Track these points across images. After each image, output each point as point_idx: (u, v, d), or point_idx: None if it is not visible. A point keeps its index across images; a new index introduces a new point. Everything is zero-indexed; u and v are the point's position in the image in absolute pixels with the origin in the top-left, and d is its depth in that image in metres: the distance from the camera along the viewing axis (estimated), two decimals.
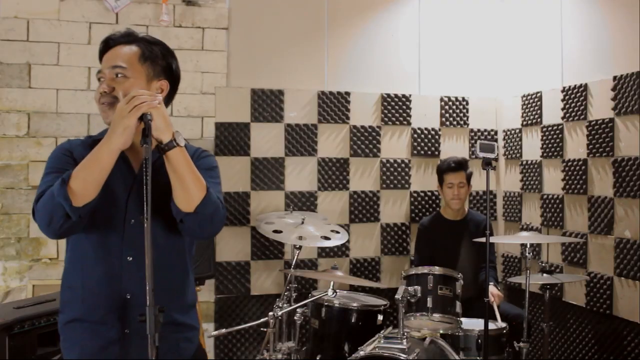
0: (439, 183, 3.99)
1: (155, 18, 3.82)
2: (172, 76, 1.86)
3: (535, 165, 4.05)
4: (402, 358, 2.68)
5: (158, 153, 1.64)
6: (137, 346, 1.70)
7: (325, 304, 3.24)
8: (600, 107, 3.49)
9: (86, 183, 1.59)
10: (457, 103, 4.42)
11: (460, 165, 3.89)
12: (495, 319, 3.33)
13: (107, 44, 1.80)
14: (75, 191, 1.58)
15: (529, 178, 4.12)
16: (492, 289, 3.53)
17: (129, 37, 1.80)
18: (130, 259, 1.72)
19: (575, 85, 3.69)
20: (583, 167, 3.61)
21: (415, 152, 4.32)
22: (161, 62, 1.82)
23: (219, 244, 3.94)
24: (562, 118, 3.79)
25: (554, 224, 3.86)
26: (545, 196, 3.95)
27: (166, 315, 1.75)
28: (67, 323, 1.77)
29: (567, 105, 3.75)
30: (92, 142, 1.74)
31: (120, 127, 1.58)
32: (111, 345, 1.71)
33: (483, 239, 3.05)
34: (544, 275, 3.28)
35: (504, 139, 4.46)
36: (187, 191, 1.65)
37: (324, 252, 4.12)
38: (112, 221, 1.72)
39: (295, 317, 3.29)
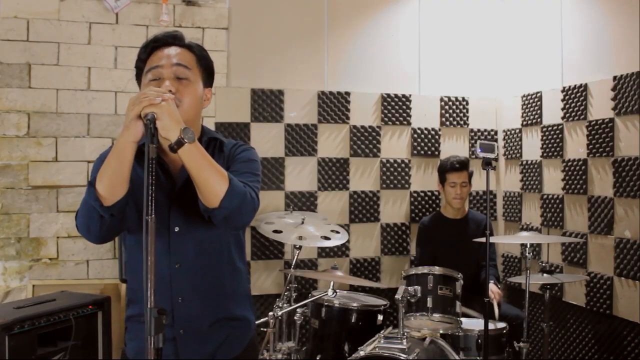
0: (440, 182, 3.99)
1: (155, 18, 3.82)
2: (211, 86, 1.89)
3: (535, 165, 4.05)
4: (402, 358, 2.68)
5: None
6: (191, 346, 1.76)
7: (325, 304, 3.24)
8: (600, 107, 3.49)
9: (111, 179, 1.60)
10: (457, 103, 4.42)
11: (463, 165, 3.90)
12: (494, 317, 3.34)
13: (158, 43, 1.78)
14: (102, 190, 1.60)
15: (529, 178, 4.12)
16: (492, 286, 3.54)
17: (182, 41, 1.80)
18: (178, 265, 1.75)
19: (575, 85, 3.69)
20: (583, 167, 3.61)
21: (415, 152, 4.32)
22: (210, 71, 1.86)
23: None
24: (562, 118, 3.79)
25: (554, 224, 3.86)
26: (545, 196, 3.95)
27: (219, 312, 1.82)
28: (130, 317, 1.85)
29: (567, 105, 3.75)
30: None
31: (126, 120, 1.60)
32: (166, 343, 1.72)
33: (483, 239, 3.05)
34: (544, 275, 3.28)
35: (504, 139, 4.46)
36: (208, 186, 1.62)
37: (324, 252, 4.12)
38: (157, 229, 1.68)
39: (295, 317, 3.29)
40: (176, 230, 1.75)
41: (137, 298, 1.81)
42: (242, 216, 1.69)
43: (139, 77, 1.82)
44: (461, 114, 4.43)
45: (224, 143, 1.88)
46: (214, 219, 1.68)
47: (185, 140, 1.57)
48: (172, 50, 1.78)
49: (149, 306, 1.44)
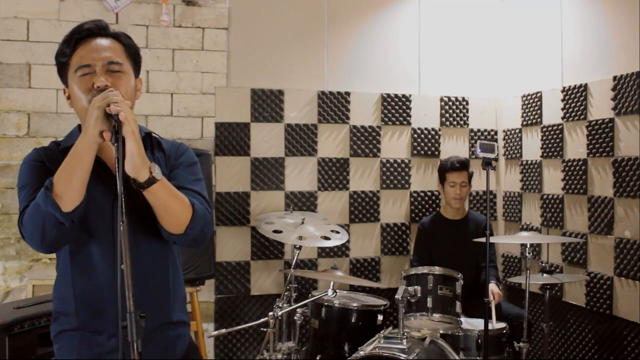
0: (440, 182, 3.99)
1: (155, 18, 3.82)
2: (139, 75, 1.80)
3: (535, 165, 4.05)
4: (402, 358, 2.68)
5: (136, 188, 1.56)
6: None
7: (325, 304, 3.24)
8: (600, 107, 3.49)
9: (71, 184, 1.52)
10: (457, 103, 4.42)
11: (463, 165, 3.90)
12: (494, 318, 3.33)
13: (82, 34, 1.68)
14: (61, 196, 1.51)
15: (529, 178, 4.12)
16: (493, 287, 3.53)
17: (107, 30, 1.71)
18: (124, 266, 1.66)
19: (575, 85, 3.69)
20: (583, 167, 3.61)
21: (415, 152, 4.32)
22: (138, 59, 1.78)
23: (219, 244, 3.94)
24: (562, 118, 3.79)
25: (554, 224, 3.86)
26: (545, 196, 3.95)
27: (163, 316, 1.75)
28: (61, 332, 1.74)
29: (567, 105, 3.75)
30: (64, 149, 1.67)
31: (92, 119, 1.52)
32: (112, 352, 1.67)
33: (483, 239, 3.05)
34: (544, 275, 3.27)
35: (504, 139, 4.46)
36: (173, 217, 1.63)
37: (324, 252, 4.12)
38: (100, 229, 1.67)
39: (295, 317, 3.29)
40: (121, 229, 1.67)
41: (68, 310, 1.71)
42: (205, 235, 1.72)
43: (62, 71, 1.72)
44: (461, 114, 4.43)
45: (160, 141, 1.83)
46: (179, 244, 1.70)
47: (157, 178, 1.54)
48: (101, 43, 1.68)
49: (129, 310, 1.40)
